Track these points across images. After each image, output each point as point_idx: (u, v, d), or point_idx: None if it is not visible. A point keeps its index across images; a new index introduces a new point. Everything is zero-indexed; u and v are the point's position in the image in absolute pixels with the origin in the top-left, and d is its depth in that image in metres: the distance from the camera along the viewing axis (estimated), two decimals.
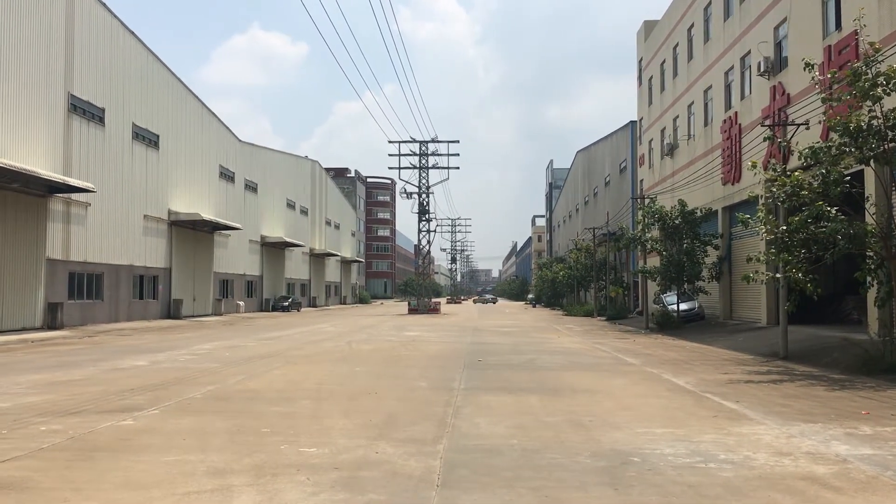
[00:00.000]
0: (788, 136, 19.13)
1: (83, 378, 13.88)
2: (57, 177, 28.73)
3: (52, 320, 29.80)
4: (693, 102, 36.71)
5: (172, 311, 41.69)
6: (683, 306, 32.78)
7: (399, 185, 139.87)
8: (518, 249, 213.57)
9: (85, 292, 33.50)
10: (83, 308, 33.07)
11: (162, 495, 5.96)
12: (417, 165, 61.57)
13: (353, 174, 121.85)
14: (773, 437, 8.40)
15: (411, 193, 61.71)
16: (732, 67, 31.10)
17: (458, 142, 62.37)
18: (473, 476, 6.66)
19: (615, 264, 54.69)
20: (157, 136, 40.57)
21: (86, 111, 33.09)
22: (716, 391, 12.33)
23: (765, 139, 19.13)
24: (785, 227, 15.75)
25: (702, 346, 23.23)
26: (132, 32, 37.56)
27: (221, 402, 10.97)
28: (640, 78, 49.31)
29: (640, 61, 49.24)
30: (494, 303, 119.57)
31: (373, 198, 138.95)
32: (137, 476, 6.59)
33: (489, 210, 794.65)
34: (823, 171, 15.19)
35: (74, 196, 31.79)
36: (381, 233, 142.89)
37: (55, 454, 7.40)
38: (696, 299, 33.70)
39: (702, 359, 18.75)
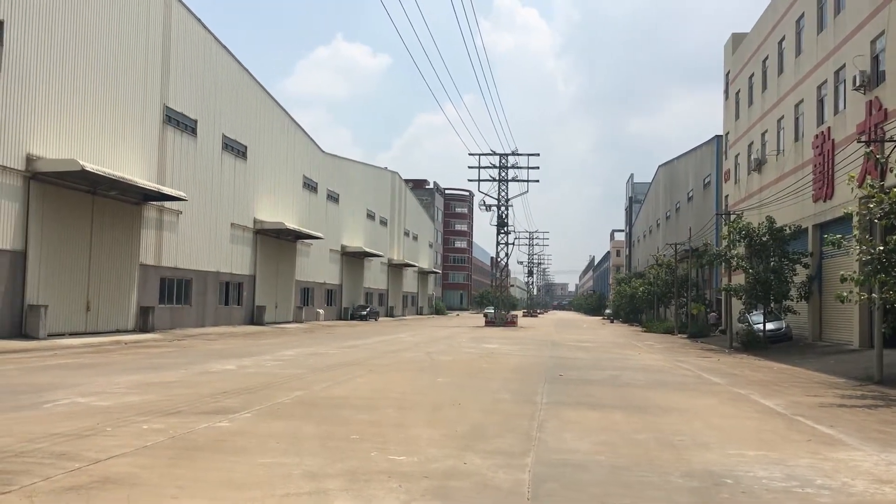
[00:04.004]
0: (886, 153, 18.46)
1: (177, 380, 14.42)
2: (152, 185, 29.89)
3: (144, 323, 30.97)
4: (783, 117, 35.75)
5: (255, 317, 42.78)
6: (770, 326, 31.83)
7: (477, 197, 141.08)
8: (596, 264, 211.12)
9: (175, 297, 34.72)
10: (172, 312, 34.28)
11: (262, 496, 6.17)
12: (497, 178, 61.49)
13: (431, 185, 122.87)
14: (873, 464, 8.13)
15: (490, 206, 61.64)
16: (826, 81, 30.17)
17: (538, 155, 61.15)
18: (562, 491, 6.66)
19: (697, 281, 53.57)
20: (245, 147, 41.81)
21: (179, 122, 34.40)
22: (808, 414, 11.98)
23: (865, 153, 18.49)
24: (882, 247, 15.19)
25: (790, 367, 22.53)
26: (224, 46, 38.89)
27: (309, 407, 11.24)
28: (726, 91, 48.32)
29: (727, 74, 48.26)
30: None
31: (450, 209, 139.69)
32: (237, 476, 6.83)
33: (567, 222, 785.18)
34: None
35: (167, 204, 33.01)
36: (458, 244, 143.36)
37: (158, 452, 7.72)
38: (783, 319, 32.67)
39: (791, 381, 18.20)
